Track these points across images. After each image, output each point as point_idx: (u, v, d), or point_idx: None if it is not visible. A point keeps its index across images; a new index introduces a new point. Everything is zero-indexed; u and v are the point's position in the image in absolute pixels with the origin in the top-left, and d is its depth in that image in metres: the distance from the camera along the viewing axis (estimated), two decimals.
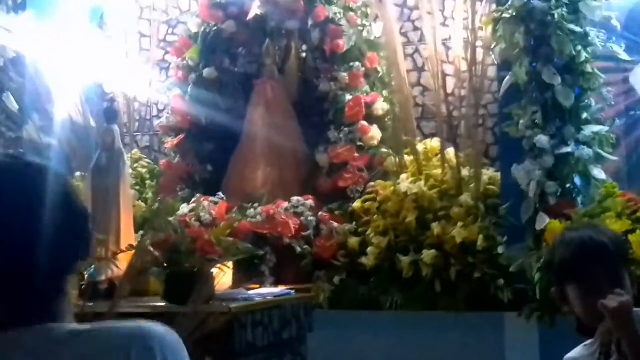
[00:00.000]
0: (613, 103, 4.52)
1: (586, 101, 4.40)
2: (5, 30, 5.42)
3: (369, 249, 4.81)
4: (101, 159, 4.19)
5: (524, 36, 4.34)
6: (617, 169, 4.64)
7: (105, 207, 4.17)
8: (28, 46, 5.65)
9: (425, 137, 5.29)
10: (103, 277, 3.99)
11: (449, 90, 5.15)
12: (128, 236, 4.19)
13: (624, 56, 4.58)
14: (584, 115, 4.39)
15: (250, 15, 5.60)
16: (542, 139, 4.30)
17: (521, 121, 4.38)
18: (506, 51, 4.43)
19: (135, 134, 6.29)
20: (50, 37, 5.74)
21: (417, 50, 5.58)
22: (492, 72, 4.98)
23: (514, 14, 4.38)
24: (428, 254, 4.60)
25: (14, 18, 5.45)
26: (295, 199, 5.07)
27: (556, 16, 4.26)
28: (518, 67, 4.36)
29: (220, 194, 5.25)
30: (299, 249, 4.94)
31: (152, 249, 3.69)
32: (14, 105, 5.36)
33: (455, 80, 5.24)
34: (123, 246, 3.97)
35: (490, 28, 4.61)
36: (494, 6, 4.62)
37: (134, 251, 3.69)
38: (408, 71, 5.43)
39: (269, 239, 4.92)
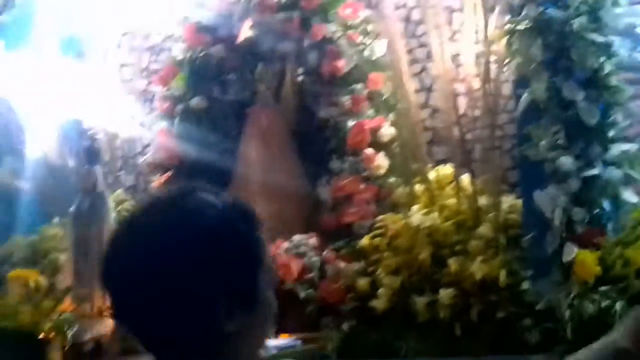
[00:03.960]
0: None
1: (612, 117, 4.36)
2: None
3: (380, 291, 4.74)
4: (82, 204, 4.17)
5: (541, 49, 4.32)
6: None
7: (87, 257, 4.13)
8: None
9: (437, 163, 5.24)
10: (88, 337, 3.94)
11: (461, 111, 5.12)
12: None
13: None
14: (611, 133, 4.34)
15: (241, 38, 5.61)
16: (566, 161, 4.26)
17: (542, 142, 4.34)
18: (522, 66, 4.41)
19: (118, 173, 6.27)
20: (22, 70, 5.76)
21: (424, 69, 5.57)
22: (507, 89, 4.95)
23: (530, 25, 4.36)
24: (445, 294, 4.54)
25: None
26: (296, 237, 5.03)
27: (575, 26, 4.24)
28: (536, 83, 4.33)
29: None
30: (302, 294, 4.89)
31: None
32: None
33: (467, 99, 5.21)
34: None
35: (503, 41, 4.59)
36: (507, 17, 4.59)
37: None
38: (415, 91, 5.40)
39: None
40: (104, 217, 4.12)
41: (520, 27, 4.41)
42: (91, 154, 4.29)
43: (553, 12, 4.28)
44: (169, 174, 5.68)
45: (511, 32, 4.48)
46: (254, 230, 1.59)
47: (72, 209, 4.21)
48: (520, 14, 4.45)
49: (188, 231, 1.52)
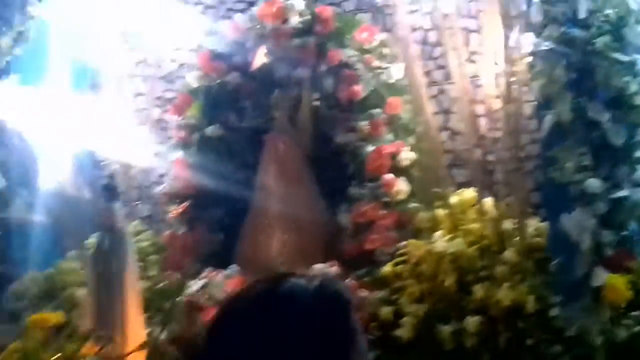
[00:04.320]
0: None
1: (639, 137, 4.27)
2: None
3: (404, 319, 4.65)
4: (102, 242, 4.07)
5: (565, 69, 4.24)
6: None
7: (109, 298, 4.05)
8: (13, 114, 5.62)
9: (458, 186, 5.15)
10: None
11: (481, 132, 5.04)
12: (137, 331, 4.04)
13: None
14: (638, 153, 4.26)
15: (256, 65, 5.54)
16: (593, 183, 4.19)
17: (568, 164, 4.27)
18: (546, 87, 4.34)
19: (134, 203, 6.20)
20: (36, 103, 5.71)
21: (442, 91, 5.49)
22: (527, 109, 4.85)
23: (553, 45, 4.28)
24: (472, 321, 4.44)
25: None
26: (317, 266, 4.93)
27: (599, 45, 4.17)
28: (561, 104, 4.26)
29: (234, 266, 5.11)
30: None
31: (168, 346, 3.54)
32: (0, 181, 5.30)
33: (487, 120, 5.13)
34: (132, 344, 3.82)
35: (525, 62, 4.52)
36: (528, 36, 4.52)
37: (146, 350, 3.54)
38: (434, 114, 5.33)
39: None
40: (125, 256, 4.02)
41: (543, 47, 4.33)
42: (110, 191, 4.20)
43: (576, 32, 4.21)
44: (185, 203, 5.60)
45: (533, 53, 4.39)
46: (346, 311, 1.66)
47: (91, 248, 4.12)
48: (541, 34, 4.37)
49: (285, 318, 1.58)
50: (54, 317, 4.86)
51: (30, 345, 4.62)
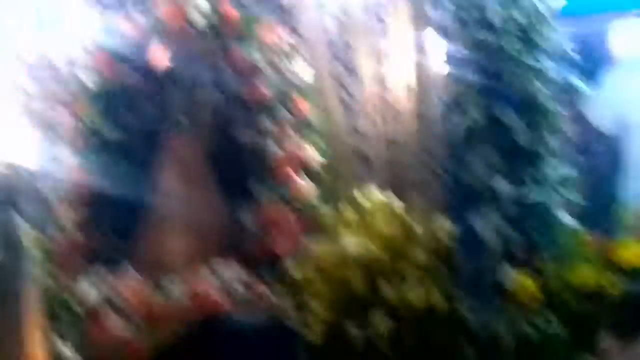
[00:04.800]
0: None
1: (547, 141, 4.35)
2: None
3: (314, 323, 4.58)
4: None
5: (476, 73, 4.28)
6: None
7: (9, 317, 3.79)
8: None
9: (366, 187, 5.11)
10: None
11: (389, 135, 5.04)
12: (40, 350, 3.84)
13: None
14: (546, 157, 4.36)
15: (156, 65, 5.38)
16: (502, 185, 4.26)
17: (477, 166, 4.30)
18: (457, 91, 4.36)
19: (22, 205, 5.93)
20: None
21: (348, 92, 5.47)
22: (436, 110, 4.88)
23: (465, 49, 4.32)
24: (382, 323, 4.42)
25: None
26: (220, 269, 4.82)
27: (510, 49, 4.23)
28: (471, 107, 4.29)
29: (126, 265, 4.96)
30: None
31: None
32: None
33: (394, 121, 5.14)
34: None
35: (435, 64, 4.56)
36: (437, 39, 4.55)
37: None
38: (341, 115, 5.31)
39: None
40: (24, 270, 3.76)
41: (455, 51, 4.36)
42: (5, 199, 3.92)
43: (487, 36, 4.25)
44: (81, 207, 5.39)
45: (445, 56, 4.42)
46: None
47: None
48: (452, 37, 4.40)
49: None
50: None
51: None
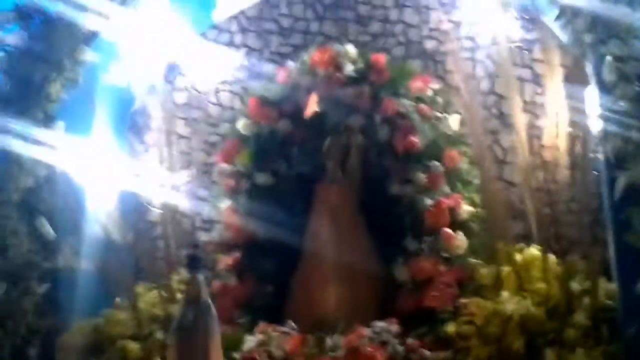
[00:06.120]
0: None
1: None
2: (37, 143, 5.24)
3: None
4: (186, 316, 3.87)
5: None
6: None
7: None
8: (59, 161, 5.51)
9: (516, 240, 5.00)
10: None
11: (543, 189, 4.92)
12: None
13: None
14: None
15: (308, 112, 5.43)
16: None
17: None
18: (620, 147, 4.21)
19: (178, 249, 6.05)
20: (82, 149, 5.61)
21: (496, 141, 5.39)
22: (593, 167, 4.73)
23: (626, 104, 4.17)
24: None
25: (45, 131, 5.29)
26: (378, 325, 4.79)
27: None
28: (635, 165, 4.14)
29: (291, 322, 4.97)
30: None
31: None
32: (49, 232, 5.17)
33: (543, 172, 5.02)
34: None
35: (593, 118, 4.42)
36: (596, 93, 4.39)
37: None
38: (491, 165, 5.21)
39: None
40: (211, 330, 3.84)
41: (616, 106, 4.21)
42: (194, 262, 4.03)
43: None
44: (237, 254, 5.46)
45: (605, 111, 4.27)
46: None
47: (175, 321, 3.95)
48: (613, 92, 4.25)
49: None
50: None
51: None
